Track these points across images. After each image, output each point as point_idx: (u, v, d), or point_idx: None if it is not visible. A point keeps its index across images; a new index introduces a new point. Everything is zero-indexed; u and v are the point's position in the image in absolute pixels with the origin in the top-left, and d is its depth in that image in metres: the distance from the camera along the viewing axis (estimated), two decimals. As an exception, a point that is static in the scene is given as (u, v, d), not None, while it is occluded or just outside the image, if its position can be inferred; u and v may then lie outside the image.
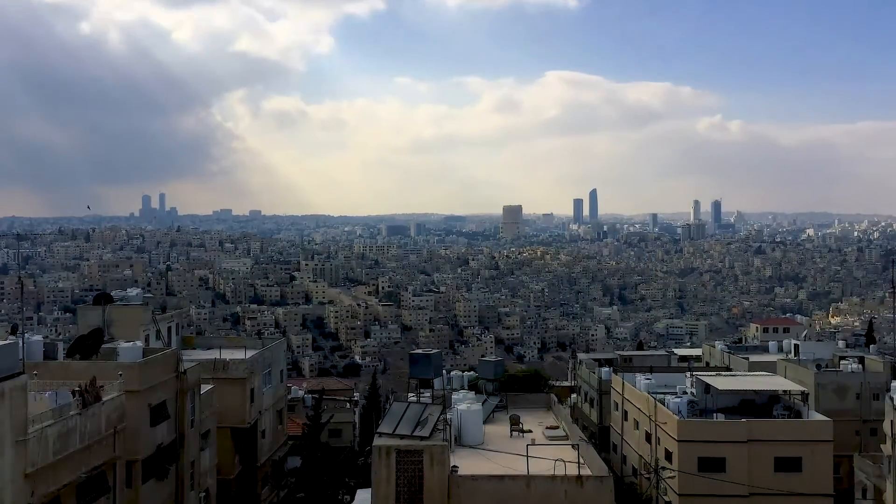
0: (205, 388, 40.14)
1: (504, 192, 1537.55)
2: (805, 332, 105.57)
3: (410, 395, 36.91)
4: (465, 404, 35.15)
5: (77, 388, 28.15)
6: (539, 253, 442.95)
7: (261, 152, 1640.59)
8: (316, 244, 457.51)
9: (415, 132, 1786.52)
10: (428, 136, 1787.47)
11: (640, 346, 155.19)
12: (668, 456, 42.67)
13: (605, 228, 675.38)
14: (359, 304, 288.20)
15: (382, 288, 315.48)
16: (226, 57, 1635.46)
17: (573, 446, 31.39)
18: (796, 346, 66.03)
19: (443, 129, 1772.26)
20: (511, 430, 36.44)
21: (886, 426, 38.71)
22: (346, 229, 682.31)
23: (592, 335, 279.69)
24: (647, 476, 43.65)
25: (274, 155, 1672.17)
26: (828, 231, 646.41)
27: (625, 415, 51.84)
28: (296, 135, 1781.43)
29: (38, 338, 36.78)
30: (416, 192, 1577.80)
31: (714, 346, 73.24)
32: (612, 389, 55.77)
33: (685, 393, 46.18)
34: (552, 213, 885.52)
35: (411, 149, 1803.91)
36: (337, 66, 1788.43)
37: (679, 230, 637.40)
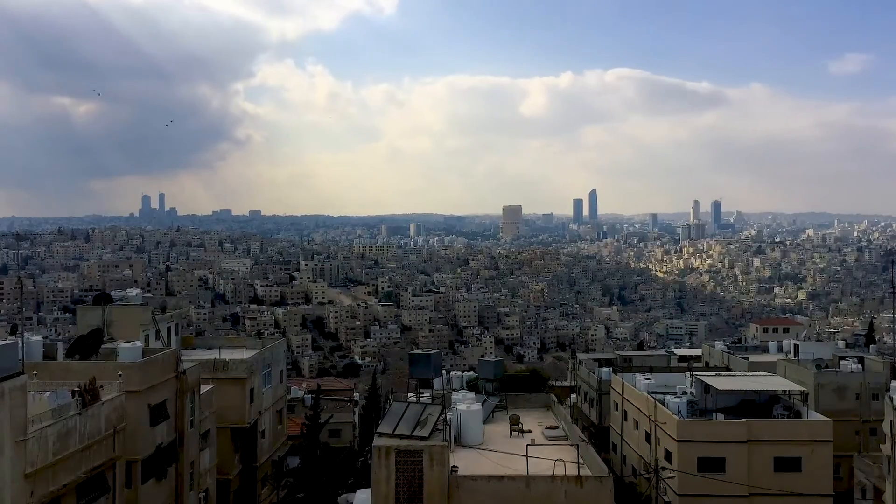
0: (204, 388, 40.14)
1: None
2: (805, 332, 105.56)
3: (410, 395, 36.95)
4: (465, 404, 35.16)
5: (77, 389, 28.15)
6: (539, 253, 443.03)
7: (278, 143, 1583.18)
8: (316, 244, 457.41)
9: (455, 123, 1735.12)
10: (468, 129, 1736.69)
11: (639, 347, 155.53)
12: (668, 456, 42.66)
13: (605, 228, 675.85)
14: (358, 305, 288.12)
15: (382, 288, 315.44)
16: (258, 26, 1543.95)
17: (573, 446, 31.42)
18: (796, 346, 66.02)
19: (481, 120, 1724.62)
20: (511, 430, 36.45)
21: (886, 426, 38.67)
22: (345, 229, 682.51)
23: (592, 335, 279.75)
24: (646, 476, 43.63)
25: (298, 147, 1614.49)
26: (828, 231, 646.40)
27: (624, 415, 51.84)
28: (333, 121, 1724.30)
29: (38, 338, 36.79)
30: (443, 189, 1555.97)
31: (714, 347, 73.23)
32: (611, 389, 55.77)
33: (685, 393, 46.21)
34: (552, 213, 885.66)
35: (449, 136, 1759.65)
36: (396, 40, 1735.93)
37: (679, 230, 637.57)
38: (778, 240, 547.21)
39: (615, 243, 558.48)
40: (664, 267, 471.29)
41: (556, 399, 44.80)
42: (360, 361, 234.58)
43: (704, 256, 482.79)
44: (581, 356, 76.32)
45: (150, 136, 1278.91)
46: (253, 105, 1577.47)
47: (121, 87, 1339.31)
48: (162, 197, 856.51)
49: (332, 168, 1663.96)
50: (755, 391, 45.26)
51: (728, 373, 53.95)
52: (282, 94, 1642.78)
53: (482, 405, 37.13)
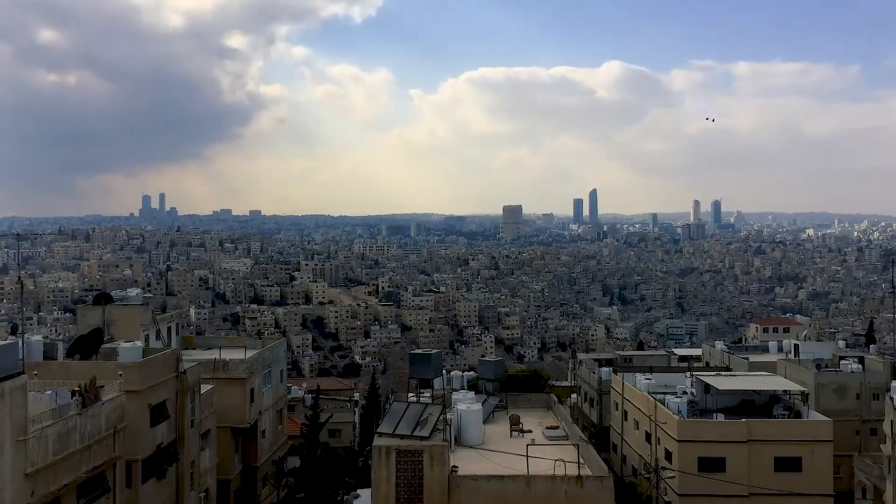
0: (205, 388, 40.15)
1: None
2: (805, 332, 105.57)
3: (410, 395, 36.91)
4: (465, 404, 35.16)
5: (77, 388, 28.15)
6: (539, 253, 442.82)
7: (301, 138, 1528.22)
8: (316, 244, 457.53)
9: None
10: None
11: (640, 346, 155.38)
12: (668, 456, 42.66)
13: (605, 228, 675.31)
14: (359, 304, 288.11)
15: (382, 288, 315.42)
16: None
17: (573, 446, 31.42)
18: (796, 346, 65.97)
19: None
20: (511, 430, 36.44)
21: (886, 426, 38.67)
22: (346, 229, 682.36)
23: (592, 335, 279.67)
24: (647, 476, 43.62)
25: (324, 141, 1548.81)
26: (828, 231, 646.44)
27: (625, 415, 51.83)
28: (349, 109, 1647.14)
29: (38, 338, 36.80)
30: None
31: (714, 346, 73.21)
32: (612, 389, 55.76)
33: (685, 393, 46.19)
34: (552, 213, 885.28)
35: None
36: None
37: (679, 230, 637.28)
38: (778, 240, 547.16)
39: (615, 243, 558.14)
40: (664, 267, 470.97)
41: (556, 399, 44.78)
42: (360, 361, 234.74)
43: (704, 256, 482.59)
44: (581, 356, 76.29)
45: (151, 119, 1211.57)
46: (267, 86, 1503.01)
47: (119, 59, 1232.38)
48: (162, 197, 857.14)
49: (345, 164, 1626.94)
50: (755, 391, 45.27)
51: (728, 373, 53.94)
52: (300, 78, 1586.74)
53: (482, 405, 37.12)
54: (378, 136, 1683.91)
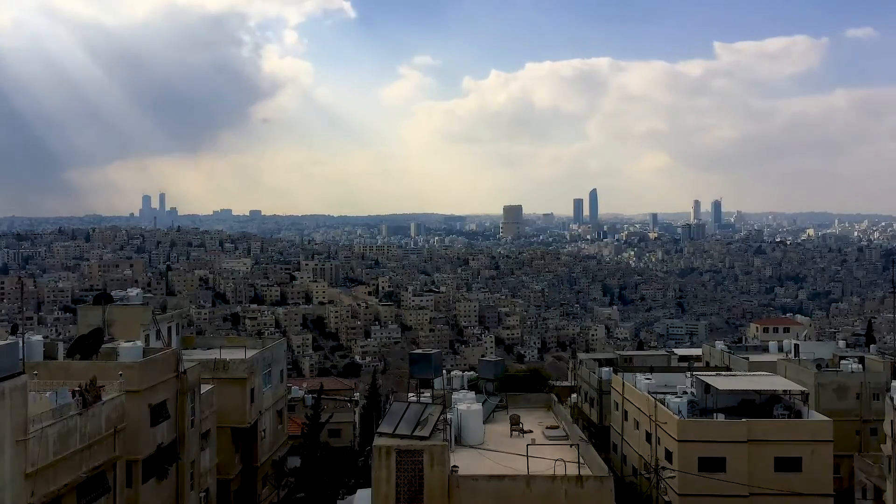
0: (205, 388, 40.14)
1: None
2: (805, 332, 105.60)
3: (410, 395, 36.86)
4: (465, 404, 35.15)
5: (77, 388, 28.17)
6: (539, 253, 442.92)
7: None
8: (316, 244, 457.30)
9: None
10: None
11: (640, 346, 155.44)
12: (669, 456, 42.66)
13: (605, 228, 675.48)
14: (359, 304, 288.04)
15: (382, 288, 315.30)
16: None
17: (573, 446, 31.42)
18: (796, 346, 65.94)
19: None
20: (511, 430, 36.43)
21: (886, 426, 38.69)
22: (346, 229, 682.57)
23: (592, 335, 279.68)
24: (647, 476, 43.63)
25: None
26: (828, 231, 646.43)
27: (625, 415, 51.84)
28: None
29: (39, 338, 36.77)
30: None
31: (714, 346, 73.22)
32: (612, 389, 55.77)
33: (685, 393, 46.21)
34: (552, 213, 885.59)
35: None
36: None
37: (679, 230, 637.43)
38: (778, 240, 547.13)
39: (615, 243, 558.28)
40: (664, 267, 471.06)
41: (556, 399, 44.76)
42: (360, 361, 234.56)
43: (704, 256, 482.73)
44: (581, 356, 76.31)
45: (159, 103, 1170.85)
46: (287, 64, 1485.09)
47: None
48: (162, 196, 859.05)
49: (358, 158, 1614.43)
50: (756, 391, 45.27)
51: (728, 373, 53.93)
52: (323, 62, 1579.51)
53: (482, 405, 37.10)
54: (395, 128, 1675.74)
